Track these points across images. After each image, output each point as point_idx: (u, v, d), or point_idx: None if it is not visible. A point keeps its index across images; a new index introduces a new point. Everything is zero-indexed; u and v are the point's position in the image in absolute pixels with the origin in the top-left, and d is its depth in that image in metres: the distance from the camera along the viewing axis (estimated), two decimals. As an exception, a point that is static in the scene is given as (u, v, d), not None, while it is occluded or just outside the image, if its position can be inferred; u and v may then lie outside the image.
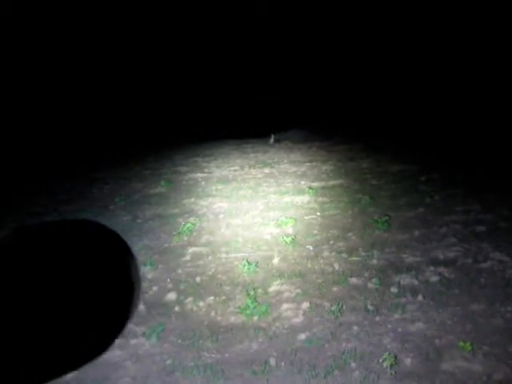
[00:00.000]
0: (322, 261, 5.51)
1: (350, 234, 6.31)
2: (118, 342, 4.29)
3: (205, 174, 10.33)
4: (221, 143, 14.91)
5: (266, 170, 10.32)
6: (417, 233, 6.20)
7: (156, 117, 17.31)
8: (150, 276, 5.43)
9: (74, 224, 1.00)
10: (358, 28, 17.90)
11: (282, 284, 4.97)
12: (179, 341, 4.17)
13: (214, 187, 9.17)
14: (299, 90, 18.18)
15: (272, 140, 14.92)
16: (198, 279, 5.28)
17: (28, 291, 0.79)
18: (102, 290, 0.88)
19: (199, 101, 18.03)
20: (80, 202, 8.52)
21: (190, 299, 4.83)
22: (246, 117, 16.61)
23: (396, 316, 4.31)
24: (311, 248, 5.91)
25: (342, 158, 11.38)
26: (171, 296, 4.94)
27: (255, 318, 4.40)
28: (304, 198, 7.97)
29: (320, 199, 7.88)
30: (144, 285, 5.20)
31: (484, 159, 10.26)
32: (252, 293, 4.77)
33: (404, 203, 7.47)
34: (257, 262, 5.44)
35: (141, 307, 4.74)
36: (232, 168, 10.83)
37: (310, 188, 8.39)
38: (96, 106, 17.15)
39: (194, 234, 6.66)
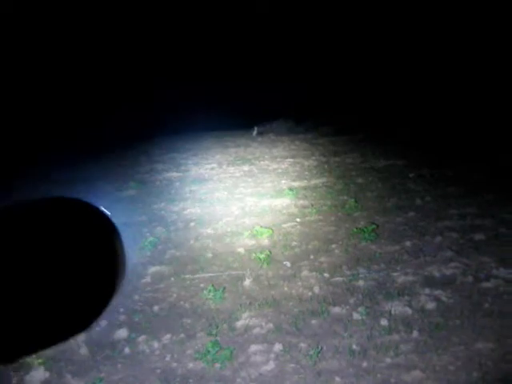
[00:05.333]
0: (300, 283, 4.61)
1: (333, 246, 5.41)
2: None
3: (180, 174, 9.41)
4: (203, 135, 14.02)
5: (245, 168, 9.42)
6: (408, 243, 5.33)
7: (140, 107, 16.35)
8: (101, 304, 4.50)
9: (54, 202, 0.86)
10: (356, 25, 17.29)
11: (252, 317, 4.06)
12: (121, 401, 3.27)
13: (188, 188, 8.26)
14: (290, 81, 17.31)
15: (255, 132, 14.01)
16: (155, 308, 4.37)
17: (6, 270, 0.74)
18: (84, 266, 0.81)
19: (185, 91, 17.19)
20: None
21: (143, 337, 3.92)
22: (232, 107, 15.60)
23: (387, 360, 3.43)
24: (288, 265, 5.01)
25: (326, 152, 10.49)
26: (122, 333, 4.02)
27: (217, 365, 3.50)
28: (283, 202, 7.07)
29: (300, 202, 6.99)
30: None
31: (477, 154, 9.41)
32: (215, 331, 3.86)
33: (392, 206, 6.59)
34: (224, 287, 4.52)
35: (83, 350, 3.83)
36: (209, 166, 9.92)
37: (290, 189, 7.50)
38: (73, 94, 16.29)
39: (159, 247, 5.74)
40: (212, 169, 9.58)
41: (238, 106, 15.53)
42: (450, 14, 16.03)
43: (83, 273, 0.82)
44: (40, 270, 0.77)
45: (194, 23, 18.49)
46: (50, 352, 3.80)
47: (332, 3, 17.71)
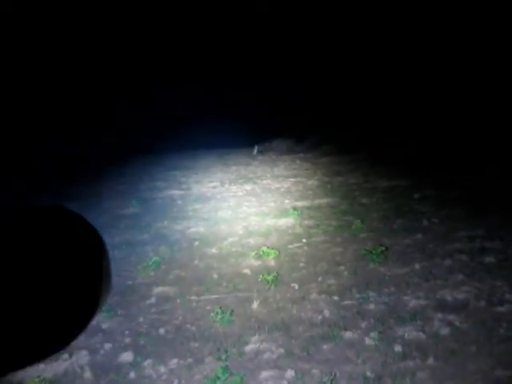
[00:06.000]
0: (309, 306, 4.50)
1: (341, 268, 5.31)
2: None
3: (182, 192, 9.31)
4: (203, 153, 13.92)
5: (248, 187, 9.34)
6: (418, 266, 5.23)
7: (139, 124, 16.28)
8: (104, 326, 4.38)
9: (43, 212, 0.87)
10: (356, 26, 17.30)
11: (262, 341, 3.94)
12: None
13: (190, 207, 8.16)
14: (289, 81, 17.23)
15: (255, 151, 13.96)
16: (161, 331, 4.25)
17: None
18: (70, 279, 0.80)
19: (185, 92, 17.15)
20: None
21: (148, 361, 3.80)
22: (231, 125, 15.55)
23: (404, 389, 3.31)
24: (297, 287, 4.91)
25: (328, 171, 10.43)
26: (127, 356, 3.89)
27: (227, 392, 3.38)
28: (288, 221, 6.98)
29: (305, 223, 6.90)
30: (96, 339, 4.15)
31: (480, 173, 9.35)
32: (224, 356, 3.74)
33: (399, 228, 6.51)
34: (232, 310, 4.41)
35: (87, 374, 3.70)
36: (212, 184, 9.83)
37: (295, 209, 7.41)
38: (75, 109, 16.24)
39: (163, 267, 5.63)
40: (214, 187, 9.50)
41: (238, 114, 15.43)
42: (450, 16, 16.08)
43: (64, 287, 0.80)
44: (16, 284, 0.76)
45: (193, 23, 18.48)
46: (52, 375, 3.68)
47: (332, 3, 17.77)
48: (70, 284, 0.82)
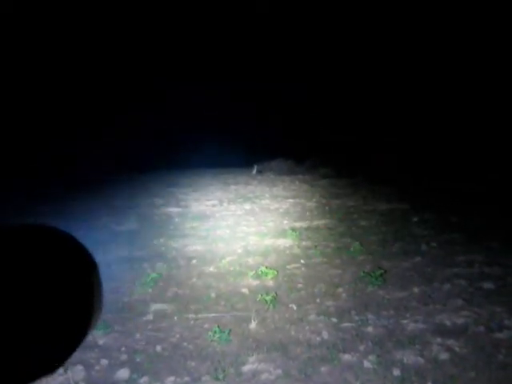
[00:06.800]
0: (307, 327, 4.49)
1: (340, 289, 5.31)
2: None
3: (180, 209, 9.33)
4: (201, 172, 13.99)
5: (247, 206, 9.36)
6: (416, 290, 5.24)
7: (138, 141, 16.32)
8: (101, 342, 4.35)
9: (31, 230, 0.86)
10: (356, 26, 17.49)
11: (260, 361, 3.92)
12: None
13: (188, 225, 8.17)
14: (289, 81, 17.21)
15: (255, 171, 14.04)
16: (158, 348, 4.22)
17: None
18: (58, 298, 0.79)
19: (184, 92, 17.15)
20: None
21: (145, 379, 3.76)
22: (230, 144, 15.63)
23: (402, 413, 3.30)
24: (295, 308, 4.90)
25: (327, 194, 10.48)
26: (123, 373, 3.86)
27: (224, 412, 3.35)
28: (286, 242, 6.99)
29: (304, 243, 6.91)
30: (92, 355, 4.12)
31: (479, 196, 9.41)
32: (221, 375, 3.72)
33: (398, 251, 6.53)
34: (230, 329, 4.39)
35: (82, 391, 3.66)
36: (210, 202, 9.86)
37: (293, 229, 7.43)
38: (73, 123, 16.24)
39: (161, 284, 5.61)
40: (213, 206, 9.53)
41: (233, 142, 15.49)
42: (450, 17, 16.26)
43: (52, 307, 0.79)
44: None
45: (193, 23, 18.67)
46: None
47: (332, 3, 17.99)
48: (59, 304, 0.81)
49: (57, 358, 0.79)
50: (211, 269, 6.07)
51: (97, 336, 4.43)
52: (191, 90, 17.09)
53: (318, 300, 5.08)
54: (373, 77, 17.03)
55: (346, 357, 3.96)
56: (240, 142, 14.89)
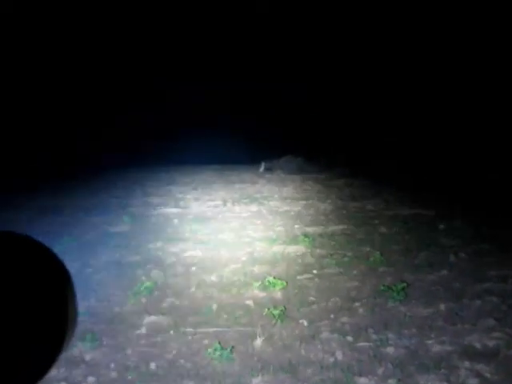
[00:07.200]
0: (319, 346, 4.48)
1: (357, 304, 5.30)
2: None
3: (179, 209, 9.36)
4: (203, 169, 14.03)
5: (253, 208, 9.38)
6: (443, 307, 5.21)
7: (135, 133, 16.47)
8: (88, 357, 4.37)
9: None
10: (356, 27, 18.19)
11: (265, 383, 3.92)
12: None
13: (188, 227, 8.19)
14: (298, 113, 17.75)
15: (262, 168, 14.04)
16: (152, 366, 4.23)
17: None
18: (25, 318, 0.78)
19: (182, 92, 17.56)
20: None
21: (136, 400, 3.77)
22: (235, 139, 15.67)
23: None
24: (306, 324, 4.89)
25: (344, 195, 10.47)
26: (112, 393, 3.87)
27: None
28: (298, 249, 7.00)
29: (318, 251, 6.91)
30: (78, 372, 4.13)
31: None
32: (222, 399, 3.72)
33: (423, 262, 6.51)
34: (232, 346, 4.39)
35: (66, 411, 3.68)
36: (213, 202, 9.89)
37: (305, 235, 7.44)
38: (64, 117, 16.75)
39: (156, 294, 5.63)
40: (216, 206, 9.55)
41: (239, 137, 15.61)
42: (449, 17, 16.88)
43: (20, 323, 0.78)
44: None
45: (193, 23, 19.24)
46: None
47: (332, 3, 18.48)
48: (24, 322, 0.80)
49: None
50: (212, 278, 6.08)
51: (83, 350, 4.44)
52: (191, 90, 17.44)
53: (331, 315, 5.07)
54: (373, 77, 17.40)
55: (363, 380, 3.95)
56: (244, 138, 14.96)
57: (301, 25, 18.75)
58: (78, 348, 4.45)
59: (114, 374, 4.13)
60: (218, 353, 4.28)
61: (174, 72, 18.54)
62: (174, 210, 9.32)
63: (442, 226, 8.11)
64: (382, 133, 16.17)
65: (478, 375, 4.03)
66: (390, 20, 17.77)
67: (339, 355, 4.32)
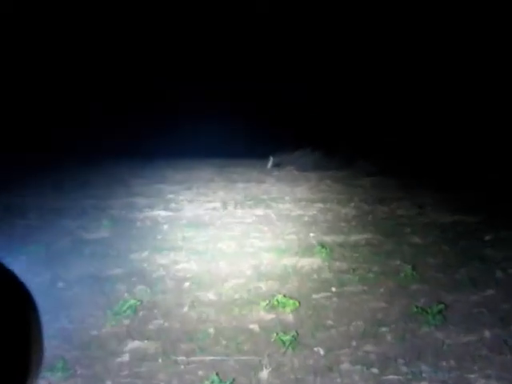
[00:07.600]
0: (339, 379, 4.48)
1: (384, 329, 5.30)
2: None
3: (170, 213, 9.40)
4: (199, 164, 14.11)
5: (259, 212, 9.42)
6: (487, 334, 5.21)
7: (117, 122, 16.80)
8: (59, 390, 4.38)
9: None
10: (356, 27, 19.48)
11: (273, 424, 3.92)
12: None
13: (180, 234, 8.23)
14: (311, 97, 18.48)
15: (270, 164, 14.07)
16: (136, 401, 4.24)
17: None
18: None
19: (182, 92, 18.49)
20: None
21: None
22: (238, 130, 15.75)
23: None
24: (322, 352, 4.90)
25: (369, 198, 10.49)
26: (87, 433, 3.88)
27: None
28: (313, 262, 7.02)
29: (337, 265, 6.93)
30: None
31: None
32: None
33: (464, 279, 6.51)
34: (233, 379, 4.40)
35: None
36: (210, 205, 9.93)
37: (322, 246, 7.46)
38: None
39: (141, 314, 5.65)
40: (214, 209, 9.59)
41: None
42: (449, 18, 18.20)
43: None
44: None
45: (193, 23, 20.49)
46: None
47: (332, 3, 19.67)
48: None
49: None
50: (210, 295, 6.10)
51: (53, 381, 4.45)
52: (191, 90, 18.54)
53: (353, 343, 5.07)
54: (373, 77, 18.64)
55: (391, 422, 3.96)
56: (246, 127, 15.15)
57: (301, 25, 19.91)
58: (46, 380, 4.45)
59: (89, 411, 4.14)
60: (215, 386, 4.29)
61: (173, 72, 19.69)
62: (164, 214, 9.35)
63: (487, 237, 8.10)
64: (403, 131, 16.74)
65: (531, 417, 4.03)
66: (391, 20, 18.94)
67: (362, 391, 4.33)
